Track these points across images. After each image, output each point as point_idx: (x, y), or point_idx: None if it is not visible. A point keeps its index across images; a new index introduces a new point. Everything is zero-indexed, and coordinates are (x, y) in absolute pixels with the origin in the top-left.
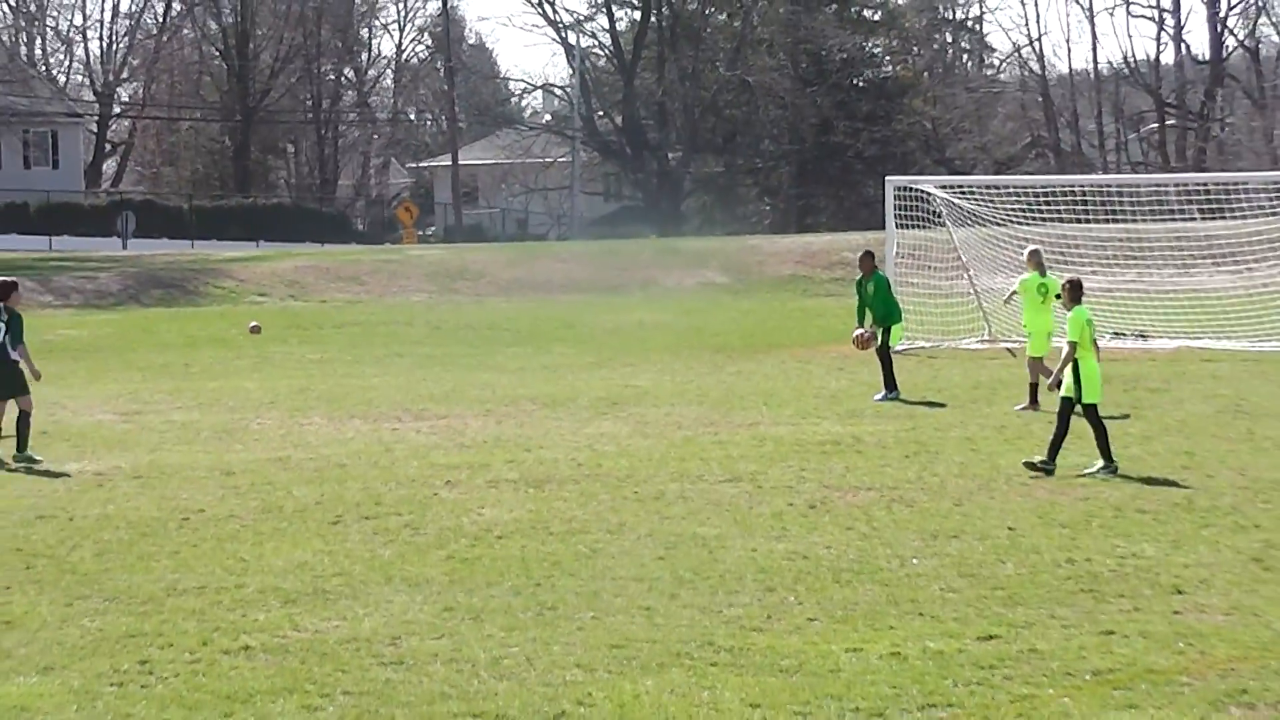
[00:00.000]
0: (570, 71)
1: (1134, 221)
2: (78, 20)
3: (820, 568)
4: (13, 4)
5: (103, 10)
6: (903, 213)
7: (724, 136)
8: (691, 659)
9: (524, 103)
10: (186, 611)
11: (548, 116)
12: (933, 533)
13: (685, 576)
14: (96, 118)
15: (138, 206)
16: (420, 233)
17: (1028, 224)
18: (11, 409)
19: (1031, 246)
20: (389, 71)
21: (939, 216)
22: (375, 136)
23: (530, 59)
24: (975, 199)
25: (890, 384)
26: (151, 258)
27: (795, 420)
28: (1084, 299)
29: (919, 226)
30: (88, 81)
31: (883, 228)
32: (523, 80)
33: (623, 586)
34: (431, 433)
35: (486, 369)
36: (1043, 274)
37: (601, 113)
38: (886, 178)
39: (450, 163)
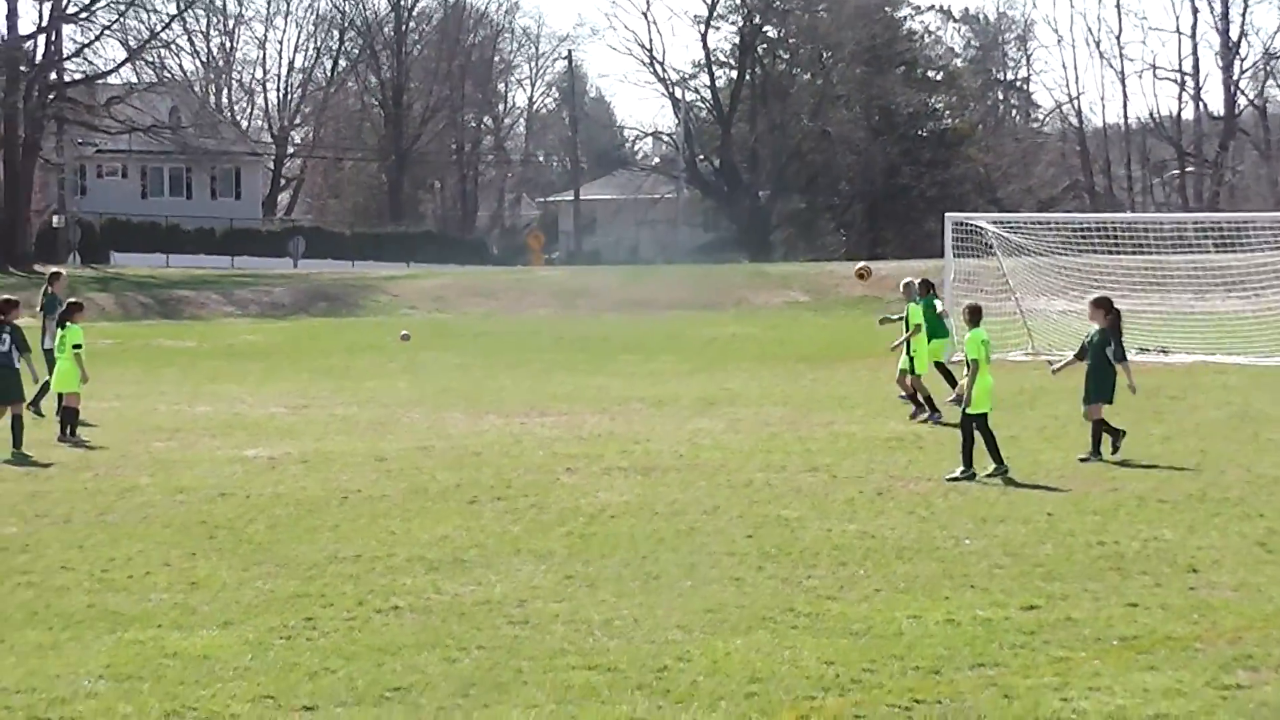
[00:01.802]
0: (676, 121)
1: (1157, 253)
2: (259, 74)
3: (886, 546)
4: (204, 60)
5: (280, 65)
6: (959, 244)
7: (806, 178)
8: (775, 623)
9: (636, 147)
10: (345, 576)
11: (656, 159)
12: (982, 517)
13: (770, 552)
14: (273, 157)
15: (307, 232)
16: (546, 257)
17: (1066, 254)
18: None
19: (906, 279)
20: (522, 120)
21: (990, 248)
22: (509, 175)
23: (642, 110)
24: (1022, 233)
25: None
26: (318, 275)
27: (865, 420)
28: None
29: (973, 256)
30: (266, 126)
31: (942, 256)
32: (636, 128)
33: (716, 560)
34: (555, 427)
35: (601, 374)
36: (917, 302)
37: (702, 156)
38: (946, 214)
39: (573, 198)
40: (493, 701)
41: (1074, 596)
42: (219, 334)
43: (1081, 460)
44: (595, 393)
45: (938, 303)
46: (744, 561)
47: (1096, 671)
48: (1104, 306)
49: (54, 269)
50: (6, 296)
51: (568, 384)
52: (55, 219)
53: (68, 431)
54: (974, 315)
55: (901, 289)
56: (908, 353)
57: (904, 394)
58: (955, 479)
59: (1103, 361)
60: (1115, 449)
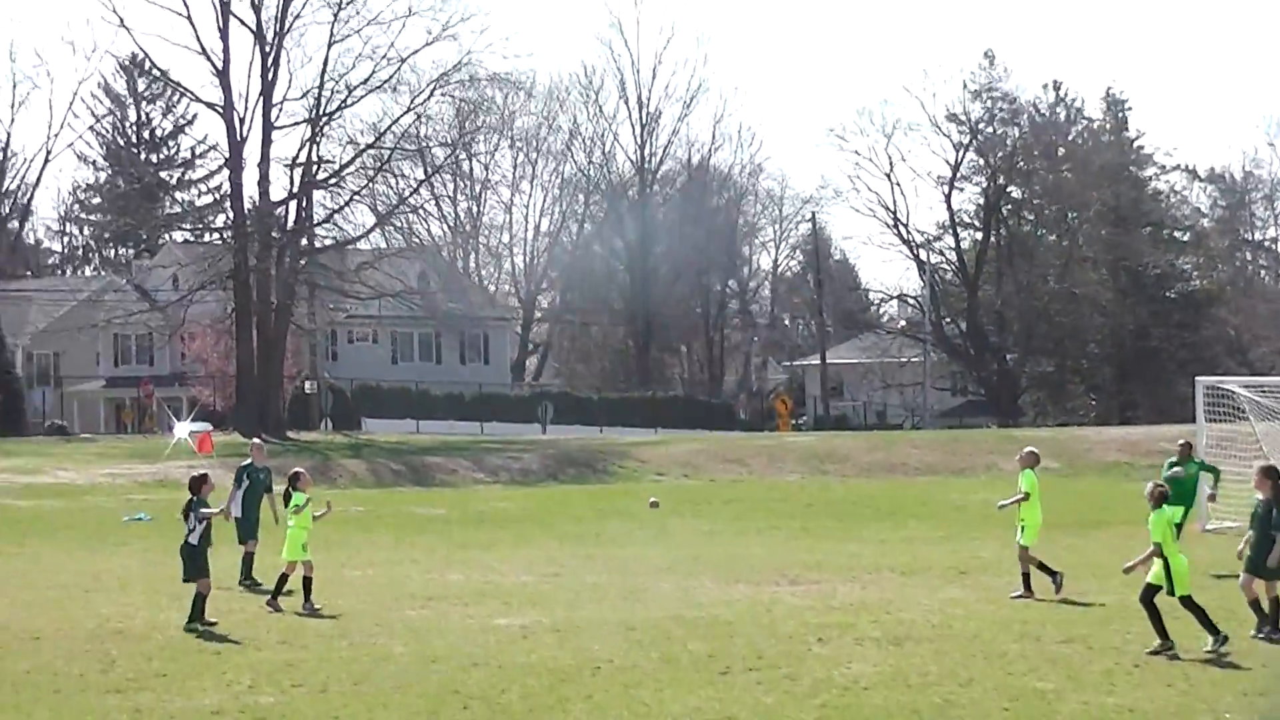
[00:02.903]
0: (922, 283)
1: None
2: (505, 238)
3: None
4: (452, 224)
5: (526, 229)
6: (1211, 408)
7: (1054, 340)
8: None
9: (882, 310)
10: None
11: (902, 322)
12: (1243, 690)
13: None
14: (521, 321)
15: (555, 397)
16: (794, 422)
17: None
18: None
19: (1028, 448)
20: (767, 283)
21: (1242, 411)
22: (755, 339)
23: (887, 272)
24: (1274, 397)
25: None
26: (567, 441)
27: (1120, 589)
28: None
29: (1225, 420)
30: (513, 290)
31: (1193, 421)
32: (881, 291)
33: None
34: (805, 595)
35: (851, 540)
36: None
37: (948, 318)
38: (1196, 378)
39: (819, 361)
40: None
41: None
42: (470, 500)
43: (1253, 637)
44: (846, 560)
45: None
46: None
47: None
48: (1271, 476)
49: (255, 439)
50: (199, 472)
51: (818, 551)
52: (307, 385)
53: (308, 601)
54: (1159, 497)
55: (1020, 457)
56: (1019, 521)
57: (1029, 567)
58: (1213, 651)
59: (1265, 533)
60: (1275, 627)
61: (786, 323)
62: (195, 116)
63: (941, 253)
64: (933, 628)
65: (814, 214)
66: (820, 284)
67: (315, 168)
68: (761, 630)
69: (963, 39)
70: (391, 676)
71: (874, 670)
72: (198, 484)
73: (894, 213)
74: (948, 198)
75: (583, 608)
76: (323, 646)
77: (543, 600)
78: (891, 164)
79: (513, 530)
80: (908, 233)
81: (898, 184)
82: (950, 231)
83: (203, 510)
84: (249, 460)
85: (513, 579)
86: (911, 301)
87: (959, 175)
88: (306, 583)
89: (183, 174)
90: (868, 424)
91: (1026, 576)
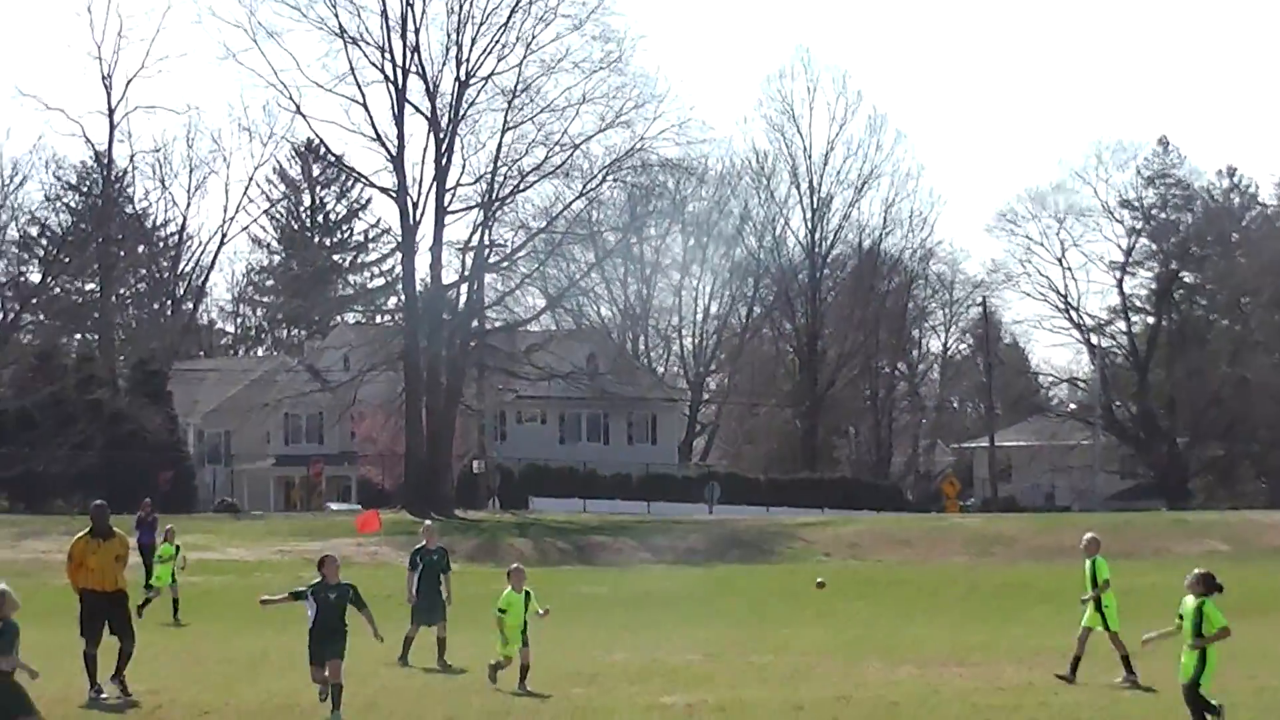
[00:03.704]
0: (1092, 367)
1: None
2: (674, 320)
3: None
4: (622, 307)
5: (695, 312)
6: None
7: (1225, 425)
8: None
9: (1051, 393)
10: None
11: (1072, 405)
12: None
13: None
14: (689, 403)
15: (722, 478)
16: (961, 504)
17: None
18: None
19: (1092, 534)
20: (936, 366)
21: None
22: (923, 421)
23: (1057, 356)
24: None
25: None
26: (733, 521)
27: None
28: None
29: None
30: (682, 372)
31: None
32: (1051, 374)
33: None
34: (971, 677)
35: (1018, 623)
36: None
37: (1119, 402)
38: None
39: (988, 444)
40: None
41: None
42: (634, 580)
43: None
44: (1010, 642)
45: None
46: None
47: None
48: None
49: (427, 521)
50: (325, 553)
51: (984, 633)
52: (475, 464)
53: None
54: (1208, 584)
55: (1083, 545)
56: (1098, 609)
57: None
58: None
59: None
60: None
61: (955, 405)
62: (369, 201)
63: (1113, 337)
64: (1099, 710)
65: (984, 298)
66: (990, 368)
67: (487, 251)
68: (927, 711)
69: (1137, 125)
70: None
71: None
72: (320, 564)
73: (1065, 297)
74: (1120, 283)
75: (748, 687)
76: None
77: (707, 680)
78: (1063, 249)
79: (677, 609)
80: (1079, 317)
81: (1069, 268)
82: (1122, 316)
83: (272, 600)
84: (422, 543)
85: (677, 658)
86: (1082, 385)
87: (1131, 260)
88: (523, 670)
89: (355, 257)
90: (1035, 507)
91: (1126, 659)
